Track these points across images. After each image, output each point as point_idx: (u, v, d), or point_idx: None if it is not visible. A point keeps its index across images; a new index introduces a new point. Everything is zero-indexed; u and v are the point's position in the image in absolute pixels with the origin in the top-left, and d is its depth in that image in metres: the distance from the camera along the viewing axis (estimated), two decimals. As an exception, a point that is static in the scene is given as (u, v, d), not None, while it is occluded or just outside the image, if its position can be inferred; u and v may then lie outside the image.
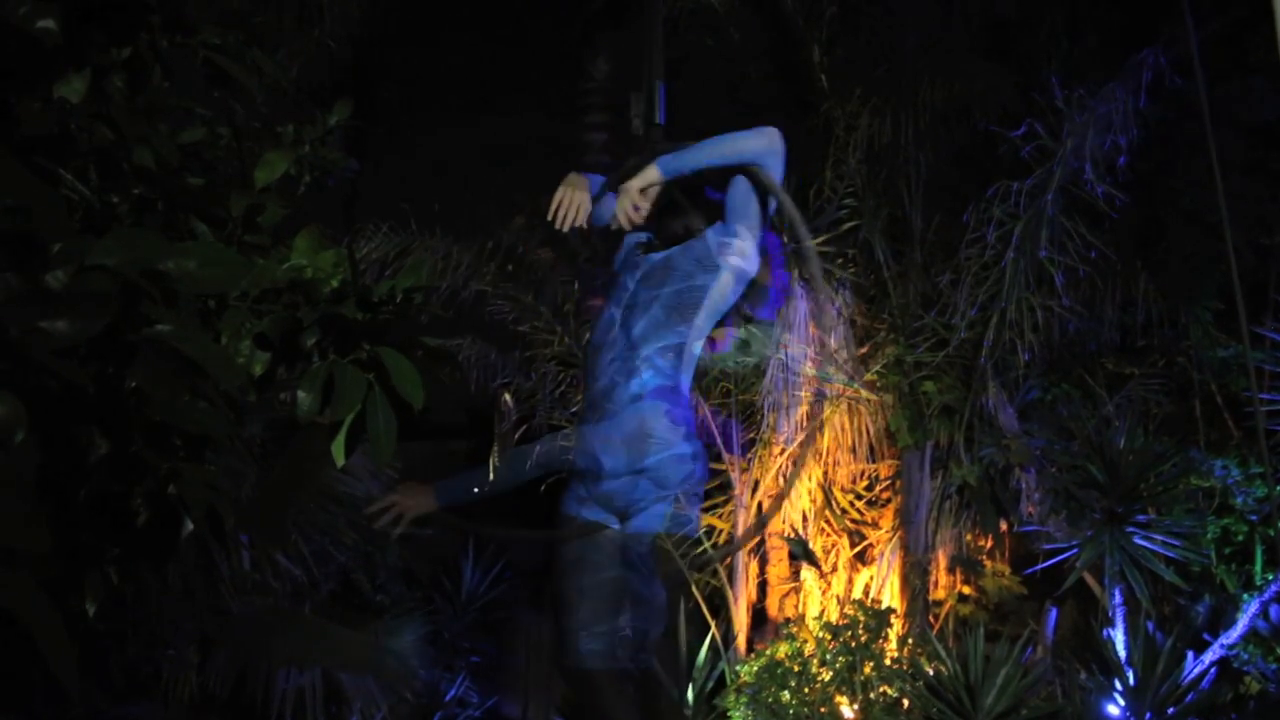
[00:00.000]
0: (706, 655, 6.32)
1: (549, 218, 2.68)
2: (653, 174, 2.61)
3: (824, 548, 6.65)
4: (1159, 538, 5.71)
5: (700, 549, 6.61)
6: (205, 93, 1.87)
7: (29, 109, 1.53)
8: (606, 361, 2.77)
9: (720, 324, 2.82)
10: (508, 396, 6.98)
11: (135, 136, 1.66)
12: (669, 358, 2.72)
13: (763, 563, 6.83)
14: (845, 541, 6.68)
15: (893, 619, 5.92)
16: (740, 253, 2.70)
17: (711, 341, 2.79)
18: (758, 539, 6.78)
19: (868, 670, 5.64)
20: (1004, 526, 6.59)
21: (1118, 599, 6.09)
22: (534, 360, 6.86)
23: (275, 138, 2.15)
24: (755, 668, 5.80)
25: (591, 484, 2.73)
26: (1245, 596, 6.19)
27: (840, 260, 6.44)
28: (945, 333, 6.28)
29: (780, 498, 5.68)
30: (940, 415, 6.34)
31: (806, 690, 5.65)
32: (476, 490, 2.75)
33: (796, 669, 5.73)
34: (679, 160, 2.63)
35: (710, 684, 6.28)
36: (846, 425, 6.52)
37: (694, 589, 6.52)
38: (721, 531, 6.70)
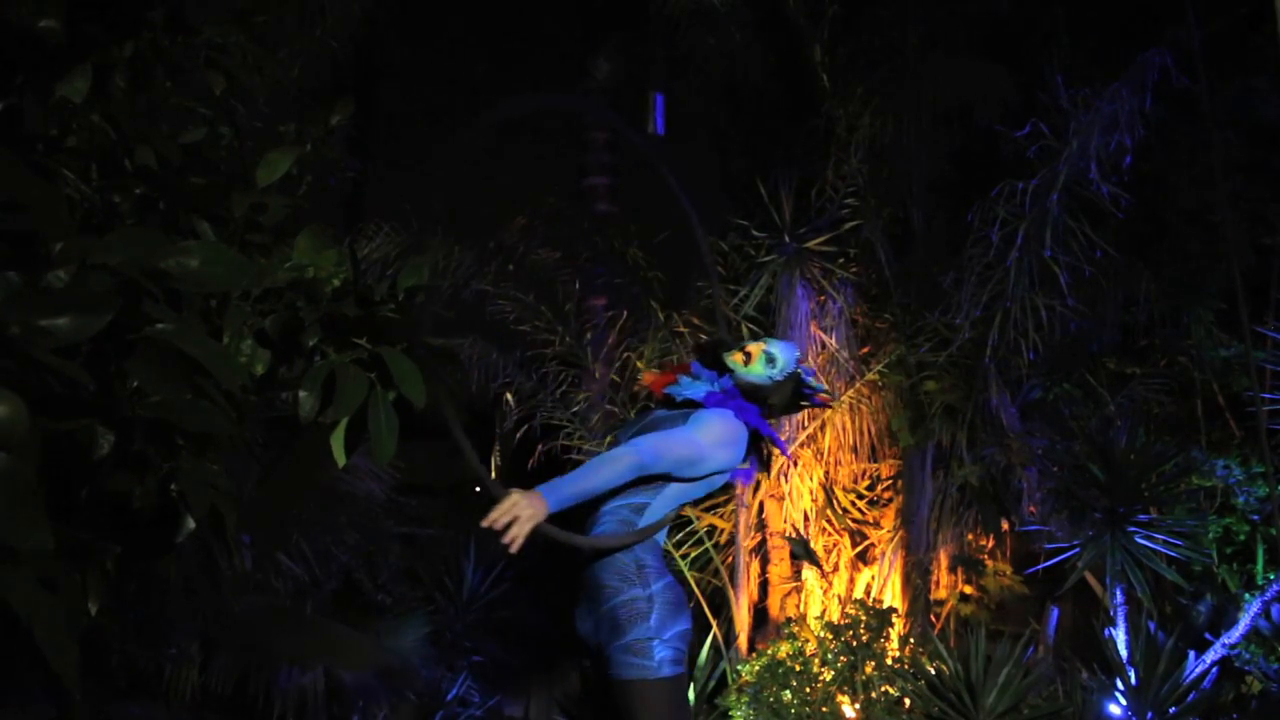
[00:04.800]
0: (708, 655, 6.32)
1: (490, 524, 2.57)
2: (541, 507, 2.56)
3: (825, 547, 6.65)
4: (1160, 537, 5.71)
5: (701, 549, 6.64)
6: (207, 92, 1.87)
7: (31, 108, 1.53)
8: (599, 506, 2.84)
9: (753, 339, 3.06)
10: (509, 396, 6.99)
11: (137, 136, 1.66)
12: (629, 513, 2.82)
13: (764, 562, 6.83)
14: (847, 541, 6.67)
15: (894, 618, 5.91)
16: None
17: (747, 355, 2.94)
18: (758, 538, 6.79)
19: (869, 670, 5.63)
20: (1005, 526, 6.59)
21: (1119, 598, 6.09)
22: (535, 360, 6.86)
23: (277, 137, 2.15)
24: (757, 667, 5.81)
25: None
26: (1247, 596, 6.19)
27: (842, 260, 6.44)
28: (948, 332, 6.28)
29: None
30: (942, 415, 6.34)
31: (808, 690, 5.65)
32: (582, 498, 2.66)
33: (798, 668, 5.73)
34: (559, 491, 2.62)
35: (712, 683, 6.28)
36: (848, 425, 6.52)
37: (695, 589, 6.53)
38: (723, 531, 6.71)
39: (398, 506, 6.71)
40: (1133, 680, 5.55)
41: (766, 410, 2.99)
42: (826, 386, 3.22)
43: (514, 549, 2.50)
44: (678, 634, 2.76)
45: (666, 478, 2.82)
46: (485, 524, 2.51)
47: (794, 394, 3.03)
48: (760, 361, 2.97)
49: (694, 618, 2.96)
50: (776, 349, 3.01)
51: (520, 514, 2.49)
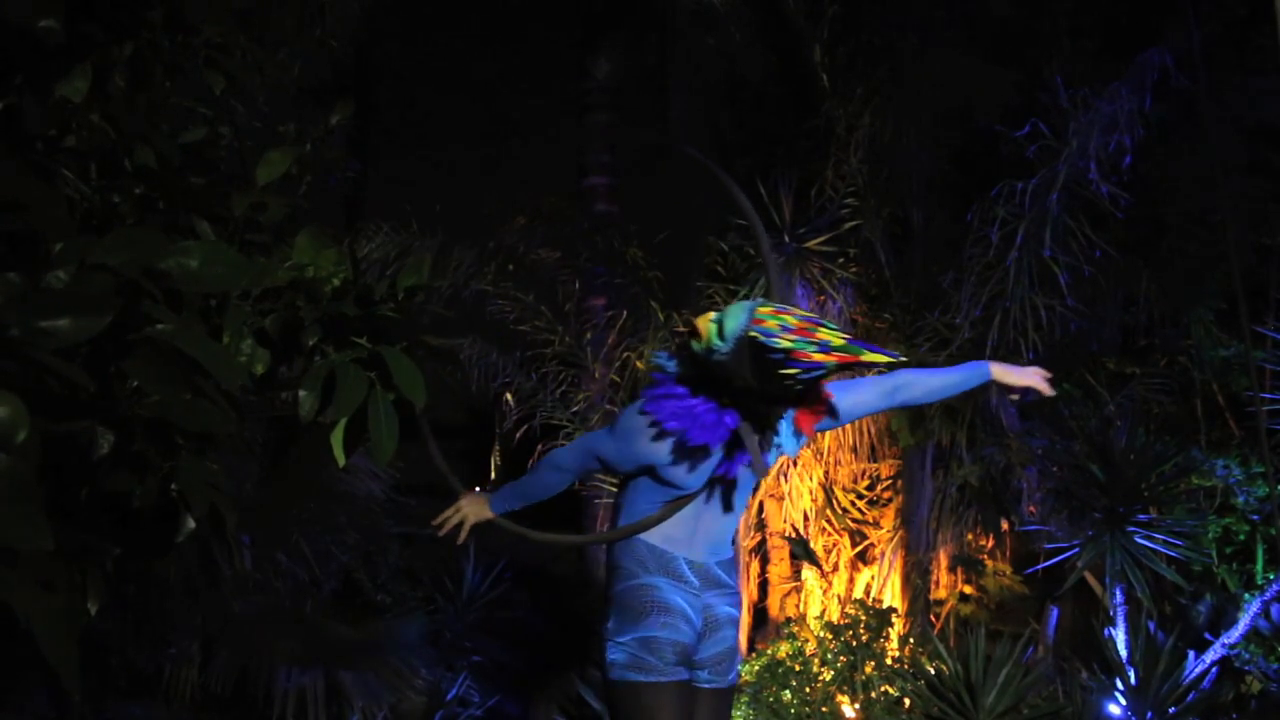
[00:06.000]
0: (708, 655, 6.31)
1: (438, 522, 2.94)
2: (485, 511, 2.90)
3: (825, 547, 6.65)
4: (1160, 537, 5.71)
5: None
6: (207, 92, 1.88)
7: (31, 108, 1.53)
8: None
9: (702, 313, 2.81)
10: (509, 396, 6.99)
11: (137, 136, 1.67)
12: (616, 515, 2.88)
13: (764, 562, 6.83)
14: (846, 541, 6.67)
15: (894, 618, 5.92)
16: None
17: (695, 332, 2.46)
18: (758, 538, 6.79)
19: (869, 670, 5.64)
20: (1005, 526, 6.59)
21: (1119, 598, 6.08)
22: (535, 360, 6.87)
23: (277, 137, 2.15)
24: (756, 667, 5.81)
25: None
26: (1247, 596, 6.19)
27: (841, 260, 6.44)
28: (947, 332, 6.28)
29: None
30: (942, 415, 6.34)
31: (808, 689, 5.65)
32: (525, 498, 2.92)
33: (798, 668, 5.73)
34: (503, 494, 2.93)
35: (711, 683, 6.28)
36: (848, 425, 6.52)
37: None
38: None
39: (398, 506, 6.71)
40: (1132, 680, 5.55)
41: (734, 396, 2.44)
42: (837, 338, 2.29)
43: (458, 542, 2.92)
44: (637, 640, 2.64)
45: (627, 476, 2.76)
46: (434, 523, 2.92)
47: (764, 367, 2.33)
48: (711, 334, 2.40)
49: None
50: (727, 314, 2.40)
51: (463, 515, 2.89)
